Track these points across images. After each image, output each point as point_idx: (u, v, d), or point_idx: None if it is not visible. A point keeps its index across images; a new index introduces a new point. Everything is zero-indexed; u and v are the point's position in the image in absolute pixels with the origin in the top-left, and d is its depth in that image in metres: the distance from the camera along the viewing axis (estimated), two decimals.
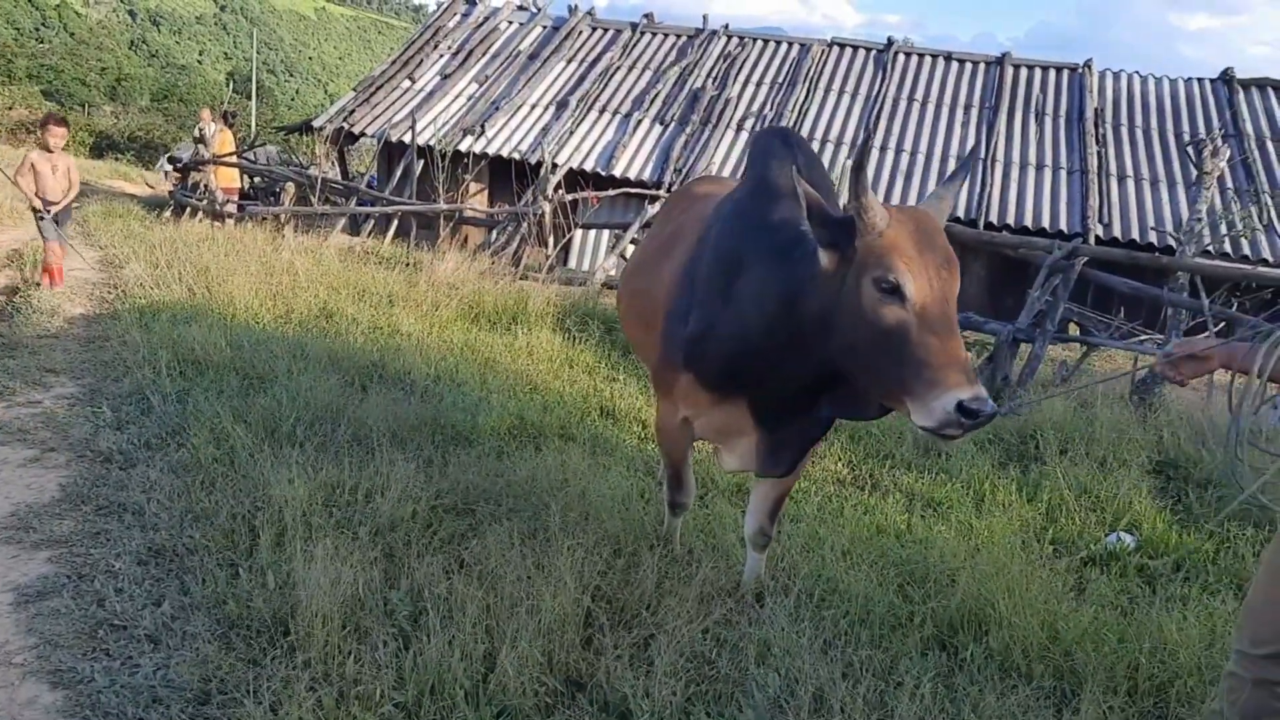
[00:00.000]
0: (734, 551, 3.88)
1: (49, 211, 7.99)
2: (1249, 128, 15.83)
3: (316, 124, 17.12)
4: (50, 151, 8.07)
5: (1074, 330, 9.46)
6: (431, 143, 15.14)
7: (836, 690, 2.93)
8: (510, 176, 15.65)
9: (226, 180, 14.21)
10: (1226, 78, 17.15)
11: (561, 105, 17.41)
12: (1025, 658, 3.28)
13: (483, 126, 16.64)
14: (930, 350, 2.37)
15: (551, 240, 11.03)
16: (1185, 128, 16.08)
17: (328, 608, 2.99)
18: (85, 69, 55.23)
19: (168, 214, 14.24)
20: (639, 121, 16.91)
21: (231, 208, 13.33)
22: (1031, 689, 3.12)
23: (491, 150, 16.29)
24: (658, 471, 4.83)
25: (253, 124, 32.82)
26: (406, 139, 15.81)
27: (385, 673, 2.82)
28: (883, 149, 16.09)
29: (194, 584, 3.31)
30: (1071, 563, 4.16)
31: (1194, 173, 13.44)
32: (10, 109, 34.72)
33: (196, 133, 14.66)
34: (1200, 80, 17.45)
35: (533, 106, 17.44)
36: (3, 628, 3.08)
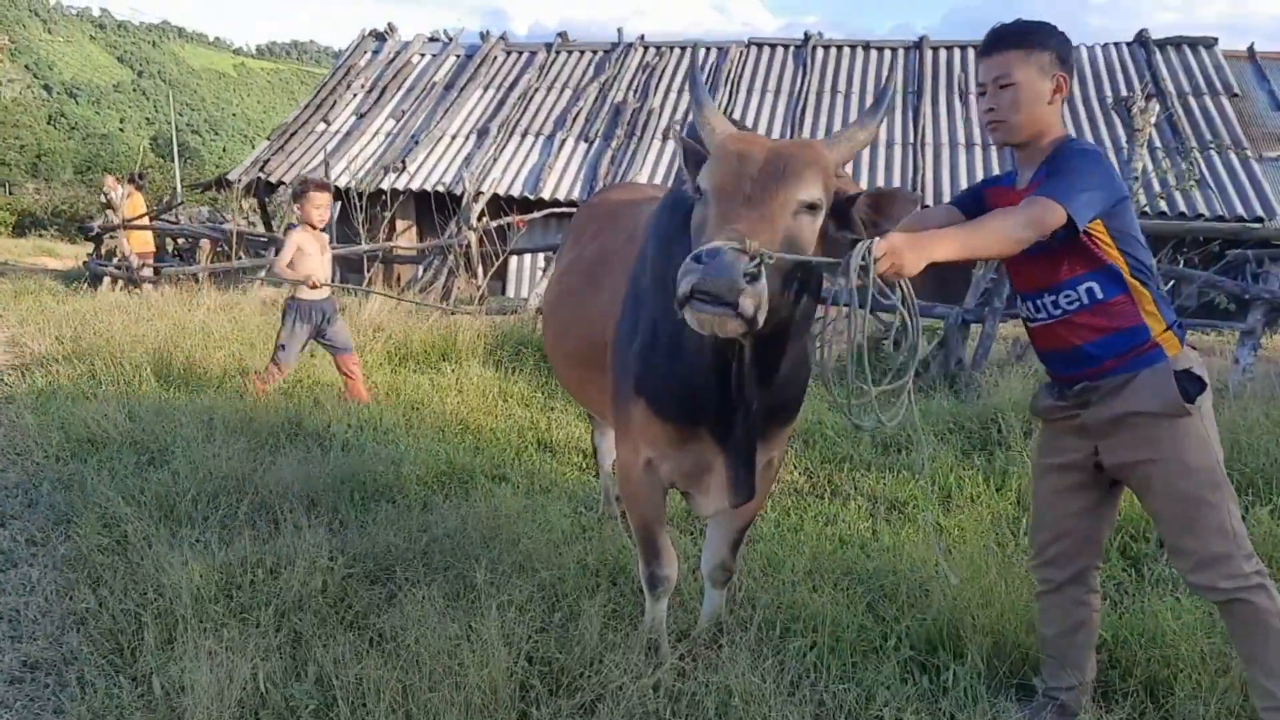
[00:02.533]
0: (685, 588, 3.52)
1: (321, 311, 6.41)
2: (1169, 85, 15.88)
3: (231, 177, 16.61)
4: (314, 226, 6.45)
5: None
6: (350, 184, 14.70)
7: None
8: (436, 211, 15.25)
9: (140, 244, 13.64)
10: (1143, 40, 17.24)
11: (482, 133, 17.06)
12: (1013, 672, 2.96)
13: (403, 162, 16.23)
14: (704, 224, 2.24)
15: (481, 270, 10.64)
16: (1108, 91, 16.09)
17: (218, 714, 2.59)
18: (4, 147, 54.03)
19: (84, 286, 13.65)
20: (563, 141, 16.60)
21: (147, 272, 12.78)
22: (1026, 709, 2.79)
23: (415, 185, 15.89)
24: (598, 504, 4.47)
25: (177, 185, 32.06)
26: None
27: None
28: None
29: (70, 702, 2.88)
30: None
31: (1122, 136, 13.40)
32: None
33: (103, 199, 14.09)
34: (1118, 44, 17.53)
35: (453, 137, 17.07)
36: None
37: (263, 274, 12.14)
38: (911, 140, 15.59)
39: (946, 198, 14.34)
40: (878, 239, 2.15)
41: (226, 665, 2.76)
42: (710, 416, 2.66)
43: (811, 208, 2.26)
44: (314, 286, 6.29)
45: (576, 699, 2.78)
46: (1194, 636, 3.03)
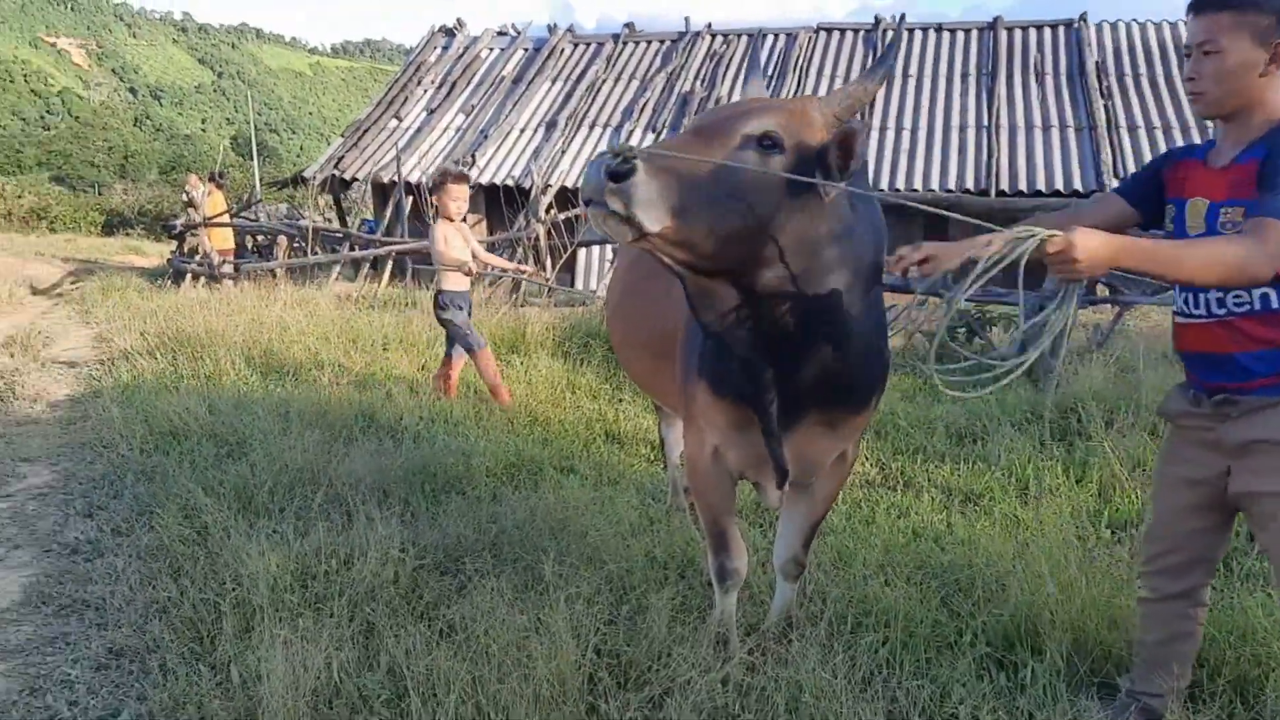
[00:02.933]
0: (754, 581, 3.48)
1: (467, 299, 6.45)
2: None
3: (307, 174, 16.96)
4: (452, 220, 6.36)
5: (1103, 292, 8.98)
6: (421, 178, 14.89)
7: None
8: (505, 204, 15.37)
9: (220, 241, 14.03)
10: None
11: (550, 125, 17.14)
12: (1095, 670, 2.87)
13: (473, 156, 16.38)
14: None
15: (549, 262, 10.69)
16: None
17: (292, 703, 2.63)
18: (92, 150, 56.06)
19: (167, 283, 14.07)
20: (630, 132, 16.59)
21: (228, 268, 13.12)
22: (1108, 709, 2.70)
23: (484, 179, 16.03)
24: (667, 497, 4.45)
25: (256, 183, 32.87)
26: (396, 178, 15.58)
27: None
28: (882, 129, 15.67)
29: (152, 688, 2.95)
30: (1134, 547, 3.72)
31: None
32: (20, 197, 35.11)
33: (185, 198, 14.50)
34: None
35: (521, 130, 17.18)
36: None
37: (335, 272, 12.34)
38: (986, 123, 15.25)
39: (1022, 182, 14.01)
40: (1059, 233, 1.99)
41: (301, 655, 2.80)
42: (752, 395, 2.61)
43: (763, 143, 2.20)
44: (469, 274, 6.31)
45: (644, 692, 2.76)
46: None
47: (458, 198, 6.31)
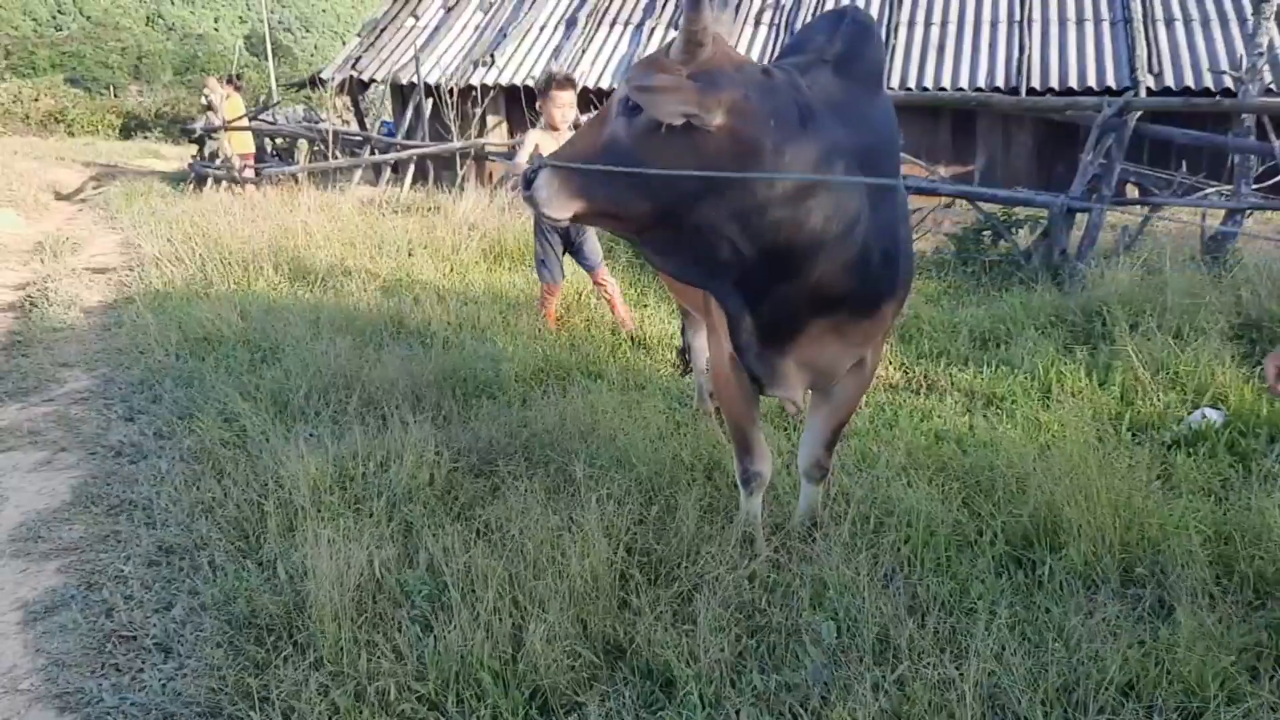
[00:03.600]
0: (780, 482, 3.57)
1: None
2: None
3: (324, 75, 16.72)
4: (557, 129, 5.61)
5: (1132, 192, 8.86)
6: (440, 79, 14.69)
7: (902, 629, 2.64)
8: (526, 105, 15.16)
9: (240, 145, 13.98)
10: None
11: (571, 23, 16.78)
12: (1109, 566, 2.95)
13: (492, 56, 16.11)
14: None
15: None
16: None
17: (338, 598, 2.76)
18: (106, 51, 55.36)
19: (189, 187, 14.08)
20: (653, 30, 16.23)
21: (249, 173, 13.10)
22: (1121, 602, 2.79)
23: (504, 80, 15.78)
24: (692, 401, 4.52)
25: (272, 85, 32.45)
26: (415, 80, 15.37)
27: (405, 663, 2.58)
28: (911, 24, 15.26)
29: (203, 583, 3.10)
30: (1154, 449, 3.78)
31: (1248, 7, 12.51)
32: (36, 100, 34.93)
33: (204, 101, 14.39)
34: None
35: (541, 29, 16.82)
36: (11, 650, 2.91)
37: (358, 176, 12.30)
38: (1018, 18, 14.80)
39: (1054, 79, 13.68)
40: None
41: (344, 552, 2.93)
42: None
43: (628, 106, 2.38)
44: None
45: (674, 588, 2.88)
46: None
47: (563, 104, 5.65)
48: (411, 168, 13.07)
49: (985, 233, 7.82)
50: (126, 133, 34.44)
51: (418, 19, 17.68)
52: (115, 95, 42.15)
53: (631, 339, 5.57)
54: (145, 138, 32.92)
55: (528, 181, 2.49)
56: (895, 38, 14.83)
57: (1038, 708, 2.34)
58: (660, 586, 2.89)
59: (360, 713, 2.42)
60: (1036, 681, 2.44)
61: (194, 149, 17.90)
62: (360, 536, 3.07)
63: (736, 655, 2.61)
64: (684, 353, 4.74)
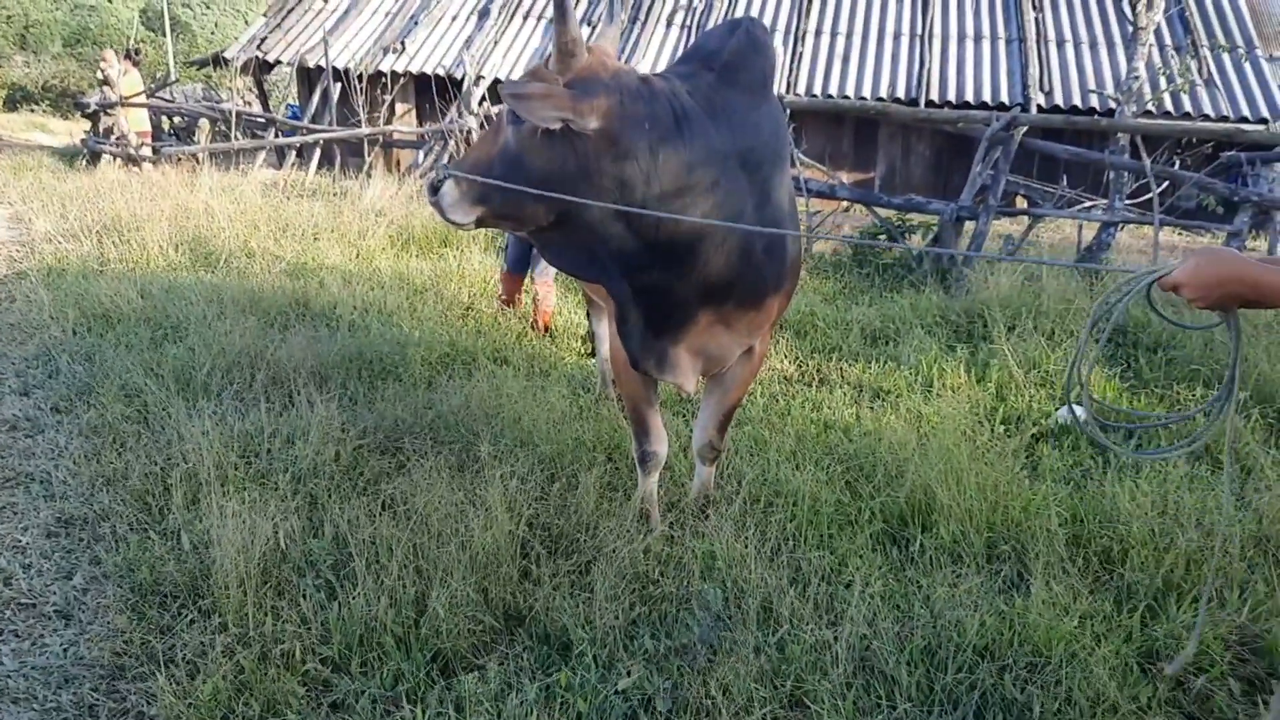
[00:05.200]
0: (676, 463, 3.75)
1: None
2: None
3: (228, 55, 16.31)
4: None
5: (1021, 204, 9.33)
6: (349, 64, 14.52)
7: (785, 598, 2.83)
8: (437, 95, 15.09)
9: (137, 123, 13.55)
10: None
11: (484, 14, 16.72)
12: (975, 544, 3.20)
13: (403, 43, 15.95)
14: None
15: None
16: None
17: (244, 565, 2.82)
18: None
19: (82, 163, 13.60)
20: None
21: (146, 150, 12.75)
22: (983, 575, 3.04)
23: (414, 68, 15.65)
24: (595, 387, 4.67)
25: (170, 62, 31.39)
26: (323, 63, 15.15)
27: (309, 628, 2.67)
28: (818, 33, 15.66)
29: (105, 553, 3.12)
30: (1022, 441, 4.07)
31: (1130, 31, 13.21)
32: None
33: (99, 75, 13.90)
34: None
35: (453, 18, 16.73)
36: None
37: (260, 158, 12.06)
38: (920, 31, 15.33)
39: (953, 93, 14.22)
40: (1174, 270, 1.91)
41: (249, 524, 2.98)
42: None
43: (514, 118, 2.55)
44: None
45: (573, 560, 3.02)
46: (1146, 517, 3.27)
47: None
48: (317, 152, 12.90)
49: (881, 236, 8.16)
50: (11, 105, 32.87)
51: (326, 2, 17.40)
52: None
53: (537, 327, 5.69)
54: (31, 110, 31.46)
55: (433, 189, 2.67)
56: (802, 45, 15.21)
57: (903, 667, 2.56)
58: (560, 558, 3.04)
59: (264, 673, 2.50)
60: (903, 645, 2.66)
61: (86, 124, 17.24)
62: (266, 509, 3.13)
63: (630, 622, 2.77)
64: (590, 339, 4.89)
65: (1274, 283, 1.80)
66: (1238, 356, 2.02)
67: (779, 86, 13.72)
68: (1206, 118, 12.60)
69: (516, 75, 15.06)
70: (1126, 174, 7.66)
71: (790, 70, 14.68)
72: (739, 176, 2.66)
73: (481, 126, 10.72)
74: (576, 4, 16.65)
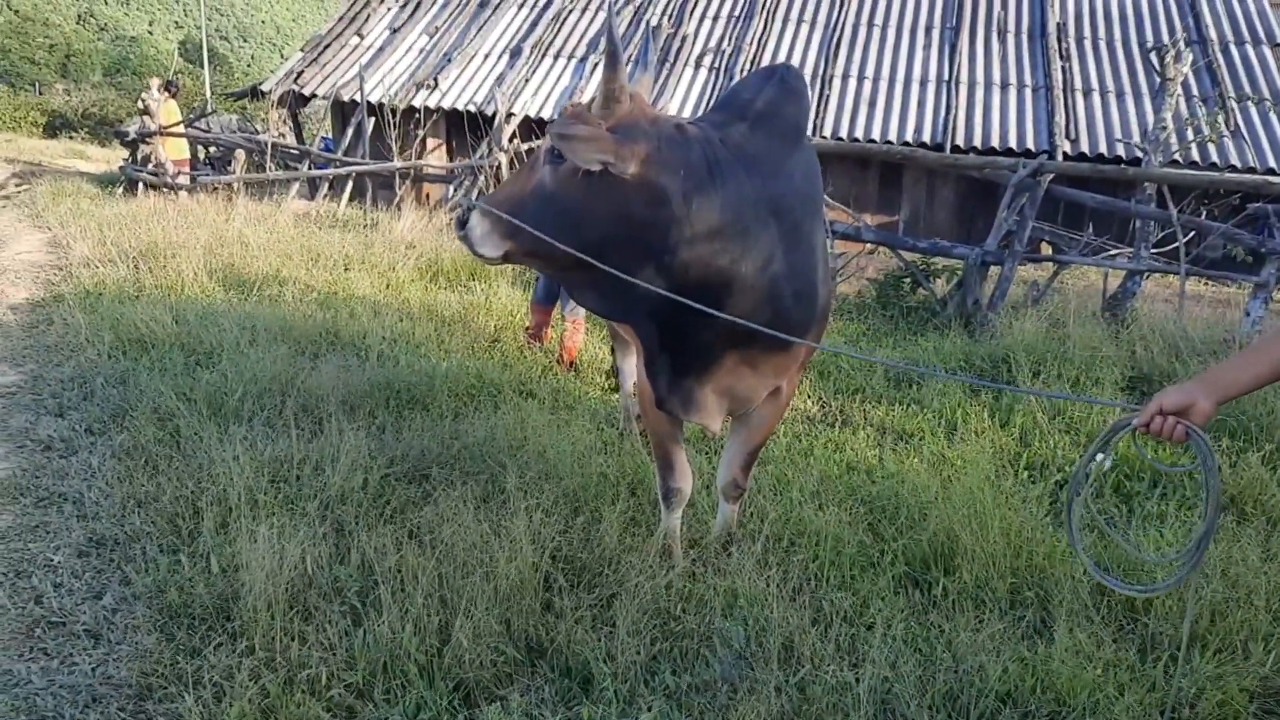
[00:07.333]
0: (699, 500, 3.77)
1: None
2: (1212, 33, 15.61)
3: (265, 88, 16.65)
4: None
5: (1046, 250, 9.34)
6: (383, 99, 14.76)
7: (806, 638, 2.84)
8: (468, 130, 15.31)
9: (175, 152, 13.83)
10: None
11: (515, 53, 16.99)
12: (998, 589, 3.20)
13: (436, 80, 16.23)
14: None
15: None
16: (1149, 36, 15.83)
17: (272, 590, 2.86)
18: (33, 47, 53.81)
19: (119, 190, 13.87)
20: (595, 64, 16.53)
21: (183, 179, 12.98)
22: (1006, 621, 3.04)
23: (446, 103, 15.90)
24: (619, 421, 4.70)
25: (207, 92, 32.03)
26: (358, 98, 15.42)
27: (335, 653, 2.70)
28: (845, 76, 15.80)
29: (135, 574, 3.17)
30: (1046, 487, 4.06)
31: (1158, 82, 13.27)
32: None
33: (140, 105, 14.20)
34: None
35: (486, 56, 17.01)
36: None
37: (295, 189, 12.26)
38: (947, 78, 15.45)
39: (977, 138, 14.29)
40: (1147, 410, 2.07)
41: (278, 548, 3.03)
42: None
43: (553, 155, 2.62)
44: None
45: (596, 593, 3.04)
46: (1171, 566, 3.25)
47: None
48: (349, 185, 13.11)
49: (905, 280, 8.18)
50: (51, 131, 33.57)
51: (362, 38, 17.74)
52: (40, 93, 41.05)
53: (562, 361, 5.74)
54: (71, 137, 32.13)
55: (461, 222, 2.72)
56: (829, 89, 15.35)
57: (925, 711, 2.56)
58: (582, 591, 3.06)
59: (290, 697, 2.53)
60: (925, 688, 2.66)
61: (124, 152, 17.58)
62: (294, 534, 3.17)
63: (651, 657, 2.79)
64: (614, 374, 4.93)
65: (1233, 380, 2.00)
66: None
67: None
68: (1234, 169, 12.60)
69: (546, 113, 15.31)
70: (1153, 223, 7.67)
71: (817, 113, 14.81)
72: (769, 223, 2.70)
73: (511, 164, 10.87)
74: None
